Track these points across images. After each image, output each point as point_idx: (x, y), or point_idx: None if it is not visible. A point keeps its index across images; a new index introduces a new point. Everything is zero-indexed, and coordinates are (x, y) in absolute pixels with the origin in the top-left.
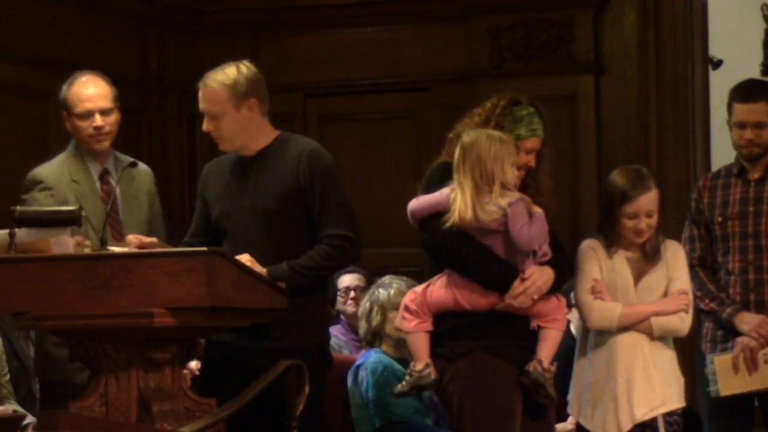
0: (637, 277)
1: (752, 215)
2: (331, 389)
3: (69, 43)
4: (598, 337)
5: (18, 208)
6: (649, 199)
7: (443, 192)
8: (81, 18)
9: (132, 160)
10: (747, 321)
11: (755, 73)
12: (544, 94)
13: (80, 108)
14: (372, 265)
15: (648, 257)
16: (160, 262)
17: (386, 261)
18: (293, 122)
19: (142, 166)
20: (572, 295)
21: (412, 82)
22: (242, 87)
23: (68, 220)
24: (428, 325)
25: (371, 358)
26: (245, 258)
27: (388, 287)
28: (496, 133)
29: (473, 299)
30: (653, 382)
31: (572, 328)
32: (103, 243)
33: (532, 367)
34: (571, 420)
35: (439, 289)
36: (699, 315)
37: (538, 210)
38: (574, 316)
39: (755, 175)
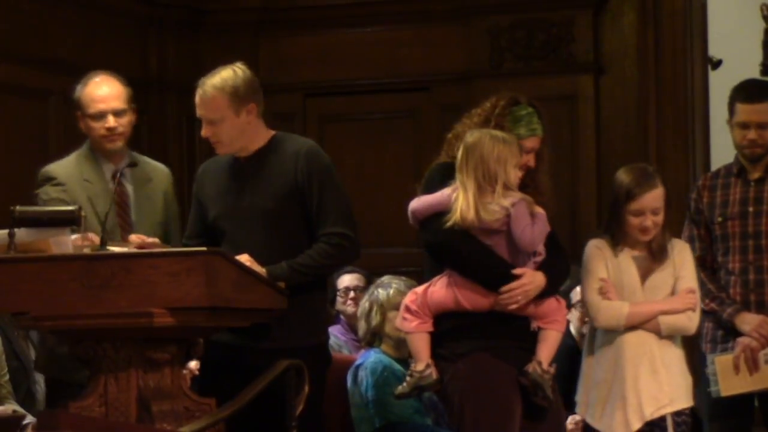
0: (644, 276)
1: (752, 215)
2: (330, 389)
3: (69, 43)
4: (605, 336)
5: (18, 208)
6: (654, 197)
7: (444, 192)
8: (81, 18)
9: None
10: (748, 321)
11: (755, 73)
12: (544, 94)
13: (93, 108)
14: (372, 265)
15: (655, 256)
16: (159, 262)
17: (386, 261)
18: (293, 122)
19: (160, 167)
20: (571, 295)
21: (412, 82)
22: (241, 93)
23: (68, 220)
24: (429, 326)
25: (371, 358)
26: (245, 258)
27: (387, 287)
28: (500, 134)
29: (474, 299)
30: (661, 380)
31: (572, 329)
32: (103, 243)
33: (531, 368)
34: (570, 420)
35: (439, 289)
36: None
37: (540, 210)
38: (573, 316)
39: (755, 175)
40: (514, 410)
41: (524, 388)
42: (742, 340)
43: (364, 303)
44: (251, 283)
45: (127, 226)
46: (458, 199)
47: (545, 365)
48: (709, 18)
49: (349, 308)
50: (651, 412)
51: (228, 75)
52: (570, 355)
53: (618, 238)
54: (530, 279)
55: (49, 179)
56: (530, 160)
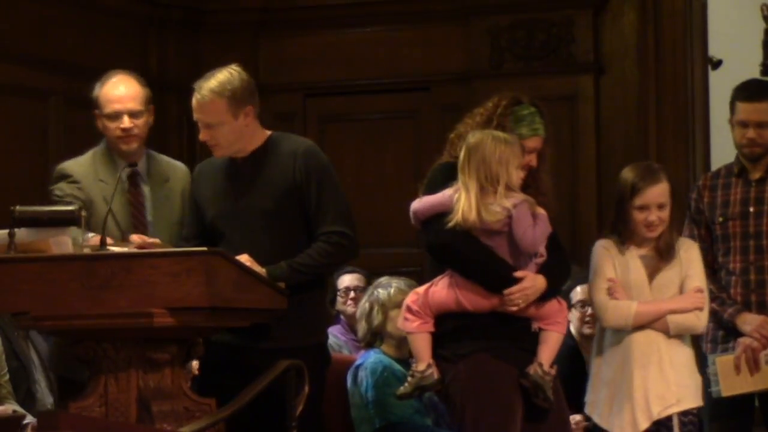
0: (652, 274)
1: (753, 216)
2: (330, 389)
3: (69, 43)
4: (614, 336)
5: (18, 208)
6: (658, 191)
7: (446, 193)
8: (81, 18)
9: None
10: (749, 321)
11: (755, 73)
12: (544, 95)
13: (109, 109)
14: (372, 265)
15: (662, 255)
16: (159, 262)
17: (386, 261)
18: (293, 122)
19: (178, 165)
20: (571, 295)
21: (412, 82)
22: (239, 96)
23: (68, 220)
24: (430, 326)
25: (371, 358)
26: (244, 258)
27: (387, 287)
28: (502, 134)
29: (475, 300)
30: (669, 380)
31: (572, 329)
32: (103, 243)
33: (532, 369)
34: (570, 420)
35: (441, 289)
36: None
37: (541, 211)
38: (573, 316)
39: (756, 175)
40: (515, 411)
41: (525, 389)
42: (743, 340)
43: (364, 304)
44: (251, 283)
45: (142, 227)
46: (460, 200)
47: (546, 367)
48: (709, 18)
49: (349, 308)
50: (658, 412)
51: (225, 78)
52: (570, 356)
53: (625, 237)
54: (531, 283)
55: (65, 176)
56: (532, 159)
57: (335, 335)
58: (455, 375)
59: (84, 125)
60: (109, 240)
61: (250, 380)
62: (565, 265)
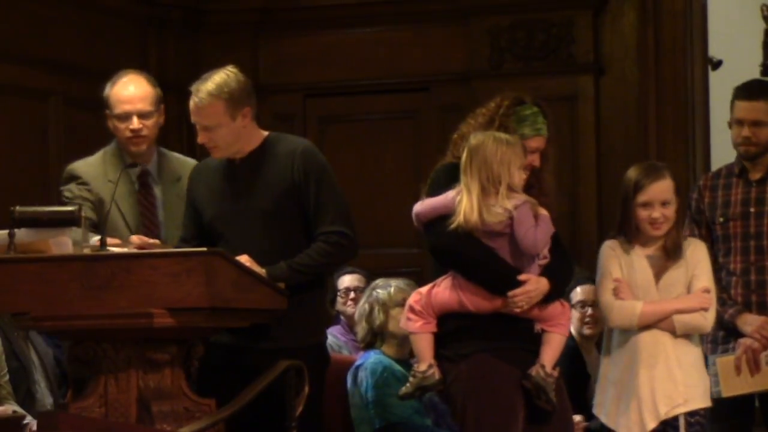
0: (658, 274)
1: (754, 216)
2: (330, 390)
3: (69, 43)
4: (621, 336)
5: (18, 208)
6: (662, 188)
7: (448, 195)
8: (81, 18)
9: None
10: (749, 322)
11: (755, 73)
12: (544, 95)
13: (119, 109)
14: (372, 266)
15: (669, 254)
16: (159, 263)
17: (386, 261)
18: (293, 122)
19: (190, 163)
20: (571, 295)
21: (412, 83)
22: (237, 98)
23: (68, 221)
24: (432, 326)
25: (371, 358)
26: (244, 258)
27: (386, 287)
28: (503, 136)
29: (477, 302)
30: (676, 380)
31: (572, 330)
32: (103, 244)
33: (534, 371)
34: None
35: (443, 290)
36: None
37: (543, 212)
38: (573, 317)
39: (756, 175)
40: (517, 411)
41: (528, 391)
42: (743, 341)
43: (363, 305)
44: (251, 283)
45: (153, 227)
46: (462, 202)
47: (548, 368)
48: (709, 18)
49: (349, 309)
50: (666, 411)
51: (222, 80)
52: (571, 356)
53: (630, 236)
54: (534, 285)
55: (74, 177)
56: (535, 160)
57: (335, 335)
58: (457, 375)
59: (84, 125)
60: (109, 240)
61: (249, 381)
62: (569, 267)
